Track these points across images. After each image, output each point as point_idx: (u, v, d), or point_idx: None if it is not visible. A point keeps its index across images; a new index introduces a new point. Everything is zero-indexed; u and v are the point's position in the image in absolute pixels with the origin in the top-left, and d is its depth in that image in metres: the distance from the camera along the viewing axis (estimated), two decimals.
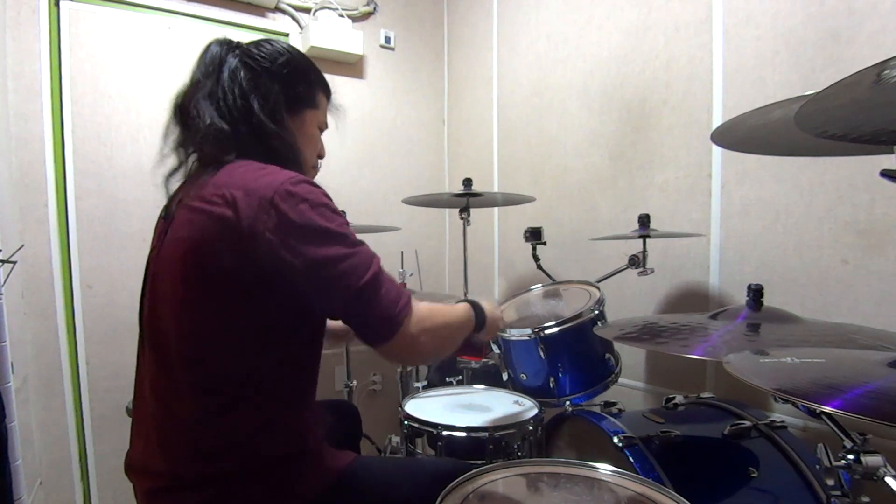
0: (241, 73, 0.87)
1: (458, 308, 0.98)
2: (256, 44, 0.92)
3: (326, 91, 1.01)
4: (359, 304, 0.78)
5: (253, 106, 0.85)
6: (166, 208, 0.90)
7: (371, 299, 0.78)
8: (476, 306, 1.01)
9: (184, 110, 0.89)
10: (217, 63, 0.88)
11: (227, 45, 0.90)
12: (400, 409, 1.33)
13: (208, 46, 0.91)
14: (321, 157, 1.04)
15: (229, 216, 0.74)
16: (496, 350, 1.48)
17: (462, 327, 0.97)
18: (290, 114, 0.92)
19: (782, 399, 0.56)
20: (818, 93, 0.58)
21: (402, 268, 1.94)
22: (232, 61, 0.88)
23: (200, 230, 0.76)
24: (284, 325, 0.81)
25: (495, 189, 2.41)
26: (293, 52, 0.94)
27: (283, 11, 2.31)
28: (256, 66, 0.88)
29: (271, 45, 0.92)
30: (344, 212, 0.92)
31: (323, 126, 1.02)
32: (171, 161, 0.90)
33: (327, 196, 0.80)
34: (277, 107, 0.89)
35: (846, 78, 0.54)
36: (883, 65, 0.50)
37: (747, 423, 1.12)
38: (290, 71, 0.92)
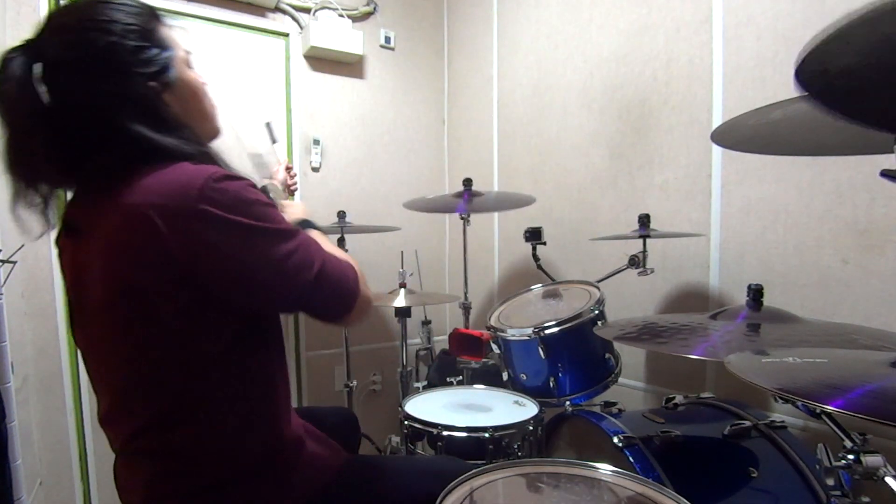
0: (78, 91, 0.69)
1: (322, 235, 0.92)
2: (63, 38, 0.70)
3: (158, 18, 0.77)
4: (317, 293, 0.76)
5: (112, 132, 0.70)
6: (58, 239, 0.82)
7: (326, 284, 0.77)
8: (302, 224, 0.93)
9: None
10: (27, 91, 0.66)
11: (28, 54, 0.68)
12: (400, 409, 1.33)
13: (3, 64, 0.67)
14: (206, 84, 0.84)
15: (152, 239, 0.65)
16: (496, 350, 1.48)
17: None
18: (166, 92, 0.75)
19: (783, 399, 0.56)
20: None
21: (402, 268, 1.93)
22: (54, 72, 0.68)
23: (123, 262, 0.68)
24: (232, 333, 0.75)
25: (495, 189, 2.41)
26: (108, 13, 0.71)
27: (283, 11, 2.31)
28: (89, 71, 0.69)
29: (82, 22, 0.70)
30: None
31: (187, 57, 0.81)
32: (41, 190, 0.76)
33: (253, 186, 0.73)
34: (147, 106, 0.72)
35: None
36: None
37: (747, 424, 1.12)
38: (133, 40, 0.71)
